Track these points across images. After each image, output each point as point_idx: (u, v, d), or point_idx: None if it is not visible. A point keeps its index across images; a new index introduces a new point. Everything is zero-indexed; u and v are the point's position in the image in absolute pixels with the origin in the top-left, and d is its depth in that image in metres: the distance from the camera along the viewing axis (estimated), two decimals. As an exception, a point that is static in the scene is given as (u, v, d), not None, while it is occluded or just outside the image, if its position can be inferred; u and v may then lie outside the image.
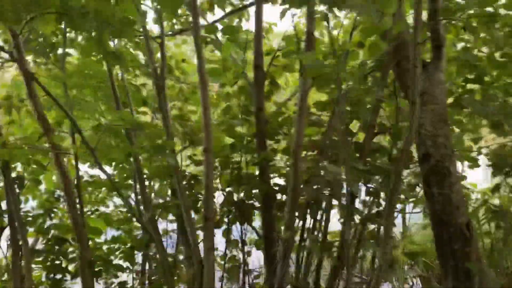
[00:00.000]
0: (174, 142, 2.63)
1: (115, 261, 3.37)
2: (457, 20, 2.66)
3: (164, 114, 2.68)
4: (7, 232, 3.15)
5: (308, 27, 2.45)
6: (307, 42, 2.46)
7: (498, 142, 4.28)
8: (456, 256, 2.93)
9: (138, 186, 3.18)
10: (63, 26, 3.62)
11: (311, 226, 3.17)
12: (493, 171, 3.23)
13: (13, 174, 3.24)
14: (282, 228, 3.40)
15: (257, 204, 3.36)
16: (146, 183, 4.00)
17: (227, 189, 3.47)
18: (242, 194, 3.35)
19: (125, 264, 3.44)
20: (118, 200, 4.74)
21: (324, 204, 2.91)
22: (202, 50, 2.68)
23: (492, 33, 2.91)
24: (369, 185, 3.20)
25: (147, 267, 3.49)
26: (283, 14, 2.42)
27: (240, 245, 3.39)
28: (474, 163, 3.40)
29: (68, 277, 3.35)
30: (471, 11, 2.79)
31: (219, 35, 4.35)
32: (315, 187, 2.66)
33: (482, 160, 3.72)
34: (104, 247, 3.73)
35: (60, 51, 3.81)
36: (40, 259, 3.41)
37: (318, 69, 2.06)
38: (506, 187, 3.00)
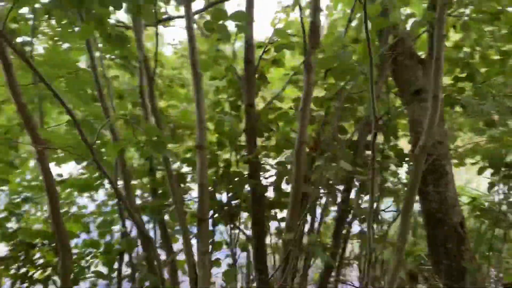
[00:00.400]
0: (171, 138, 2.42)
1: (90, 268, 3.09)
2: (457, 17, 2.64)
3: (154, 108, 2.46)
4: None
5: (313, 17, 2.32)
6: (312, 33, 2.33)
7: (474, 141, 4.37)
8: (450, 255, 2.92)
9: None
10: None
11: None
12: (479, 169, 3.25)
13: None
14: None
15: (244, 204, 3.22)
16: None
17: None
18: (228, 194, 3.18)
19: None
20: (82, 201, 4.46)
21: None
22: (195, 40, 2.50)
23: (481, 31, 2.92)
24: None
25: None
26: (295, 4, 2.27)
27: (228, 247, 3.22)
28: (460, 162, 3.42)
29: (37, 286, 3.05)
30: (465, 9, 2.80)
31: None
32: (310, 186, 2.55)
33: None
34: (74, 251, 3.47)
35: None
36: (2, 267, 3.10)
37: (333, 61, 1.94)
38: (504, 186, 3.01)
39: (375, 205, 2.99)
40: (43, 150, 1.99)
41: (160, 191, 3.13)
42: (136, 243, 2.71)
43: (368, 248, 1.88)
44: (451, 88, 3.05)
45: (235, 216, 3.18)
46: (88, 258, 3.49)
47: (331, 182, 2.74)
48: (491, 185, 3.05)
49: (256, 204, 3.04)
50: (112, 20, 3.74)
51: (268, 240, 3.28)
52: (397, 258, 2.10)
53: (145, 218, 3.61)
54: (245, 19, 2.06)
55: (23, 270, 3.11)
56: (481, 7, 2.36)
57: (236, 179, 3.20)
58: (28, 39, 3.38)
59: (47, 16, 3.54)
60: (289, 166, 2.94)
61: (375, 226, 2.94)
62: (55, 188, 2.09)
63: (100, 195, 4.29)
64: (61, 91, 3.30)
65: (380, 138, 3.08)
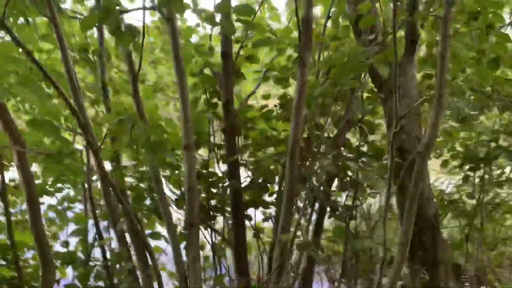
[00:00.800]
0: (169, 139, 2.25)
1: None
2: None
3: (141, 109, 2.28)
4: None
5: (306, 12, 2.27)
6: (305, 29, 2.28)
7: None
8: (425, 246, 3.03)
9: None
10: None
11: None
12: (442, 162, 3.40)
13: None
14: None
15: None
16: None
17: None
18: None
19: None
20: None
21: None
22: (177, 33, 2.36)
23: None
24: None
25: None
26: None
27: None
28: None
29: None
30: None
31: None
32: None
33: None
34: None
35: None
36: None
37: (341, 59, 1.91)
38: (475, 180, 3.17)
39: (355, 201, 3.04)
40: (24, 155, 1.76)
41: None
42: (124, 255, 2.49)
43: (384, 247, 1.87)
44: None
45: (213, 218, 3.07)
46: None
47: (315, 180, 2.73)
48: (466, 178, 3.21)
49: (236, 206, 2.95)
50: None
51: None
52: (401, 253, 2.13)
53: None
54: (252, 13, 1.97)
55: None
56: (464, 7, 2.46)
57: (210, 180, 3.10)
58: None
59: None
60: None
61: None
62: (37, 197, 1.86)
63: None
64: (14, 87, 2.99)
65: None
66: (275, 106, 2.95)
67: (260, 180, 3.12)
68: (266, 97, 3.11)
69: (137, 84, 2.28)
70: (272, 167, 3.06)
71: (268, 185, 3.17)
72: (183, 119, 2.34)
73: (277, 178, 3.11)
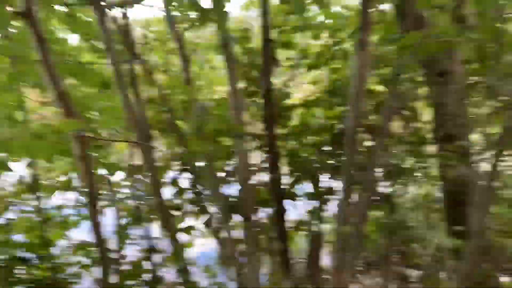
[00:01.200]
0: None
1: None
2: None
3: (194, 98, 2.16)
4: None
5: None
6: (364, 9, 2.17)
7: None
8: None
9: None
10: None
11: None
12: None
13: None
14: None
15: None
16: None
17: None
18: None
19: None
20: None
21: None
22: (226, 18, 2.25)
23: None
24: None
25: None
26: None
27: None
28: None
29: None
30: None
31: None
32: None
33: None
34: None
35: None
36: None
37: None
38: None
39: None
40: (87, 144, 1.63)
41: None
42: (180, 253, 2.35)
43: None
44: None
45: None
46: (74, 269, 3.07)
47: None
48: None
49: (278, 197, 2.84)
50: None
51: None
52: (474, 244, 2.05)
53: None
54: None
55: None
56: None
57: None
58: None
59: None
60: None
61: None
62: (97, 192, 1.73)
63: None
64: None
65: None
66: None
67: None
68: (314, 83, 3.00)
69: (190, 71, 2.15)
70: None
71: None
72: (234, 107, 2.23)
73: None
